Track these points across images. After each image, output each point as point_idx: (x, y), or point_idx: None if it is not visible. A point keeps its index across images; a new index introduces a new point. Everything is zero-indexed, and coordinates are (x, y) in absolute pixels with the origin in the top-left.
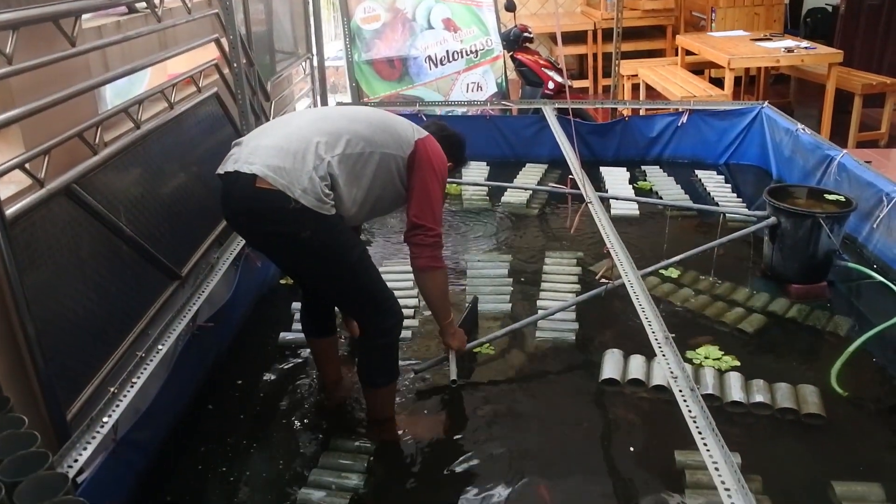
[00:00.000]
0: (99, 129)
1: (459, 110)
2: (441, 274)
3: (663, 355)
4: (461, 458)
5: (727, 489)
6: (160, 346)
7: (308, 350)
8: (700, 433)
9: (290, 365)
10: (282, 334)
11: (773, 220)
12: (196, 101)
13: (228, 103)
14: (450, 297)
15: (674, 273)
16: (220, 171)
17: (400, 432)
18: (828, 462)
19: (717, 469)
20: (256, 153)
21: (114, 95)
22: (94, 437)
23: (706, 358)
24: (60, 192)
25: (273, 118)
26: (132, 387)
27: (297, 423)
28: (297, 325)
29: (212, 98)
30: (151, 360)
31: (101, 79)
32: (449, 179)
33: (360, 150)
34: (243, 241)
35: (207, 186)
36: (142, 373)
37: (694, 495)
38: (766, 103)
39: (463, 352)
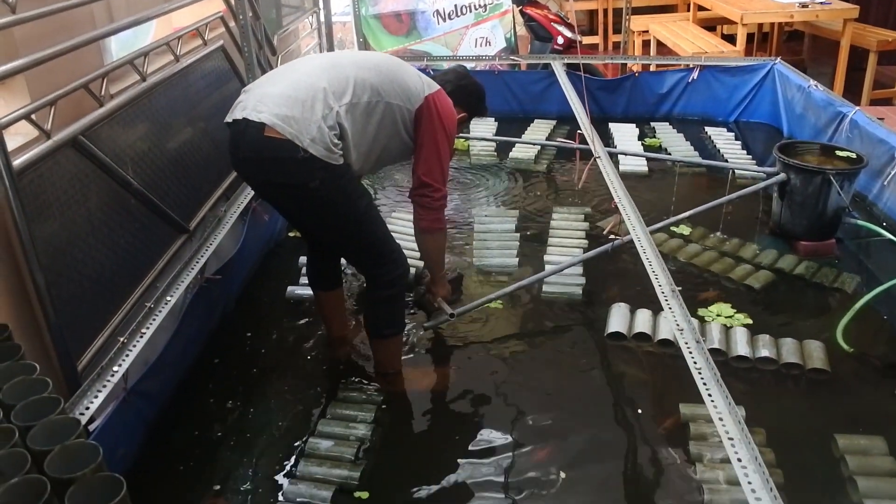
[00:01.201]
0: (105, 81)
1: (468, 65)
2: (442, 235)
3: (670, 308)
4: (468, 411)
5: (731, 439)
6: (168, 298)
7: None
8: (705, 384)
9: (298, 318)
10: (289, 288)
11: (782, 176)
12: (202, 54)
13: (234, 57)
14: (459, 251)
15: (683, 230)
16: (228, 118)
17: (407, 385)
18: (831, 416)
19: (721, 420)
20: (264, 101)
21: (119, 48)
22: (104, 386)
23: (718, 315)
24: (67, 144)
25: None
26: (141, 337)
27: (305, 376)
28: (304, 279)
29: (218, 51)
30: (160, 312)
31: (106, 29)
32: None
33: (367, 100)
34: (250, 195)
35: (214, 140)
36: (151, 323)
37: (698, 447)
38: (779, 59)
39: (448, 299)
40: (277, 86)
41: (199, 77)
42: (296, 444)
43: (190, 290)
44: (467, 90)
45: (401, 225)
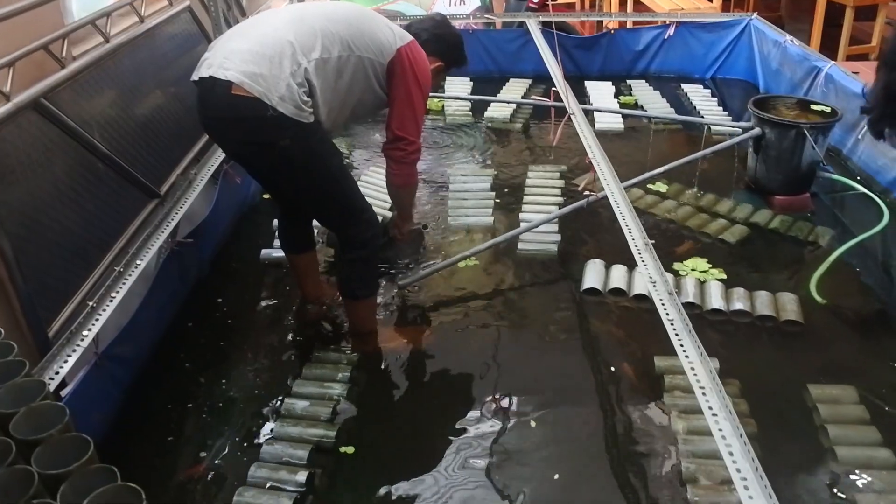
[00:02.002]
0: (65, 42)
1: None
2: (414, 187)
3: (643, 261)
4: (442, 369)
5: (702, 387)
6: (139, 262)
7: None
8: (677, 335)
9: (272, 281)
10: (263, 251)
11: (757, 131)
12: (167, 14)
13: (203, 19)
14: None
15: (659, 187)
16: (195, 76)
17: (382, 344)
18: (804, 366)
19: (693, 370)
20: (231, 58)
21: (80, 9)
22: (74, 351)
23: (693, 270)
24: (28, 107)
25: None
26: (111, 301)
27: (280, 338)
28: (278, 242)
29: (184, 12)
30: (130, 275)
31: None
32: (432, 94)
33: (337, 54)
34: (222, 157)
35: (184, 104)
36: (121, 287)
37: (672, 399)
38: (755, 15)
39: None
40: (244, 41)
41: (166, 39)
42: (272, 404)
43: (161, 253)
44: (443, 39)
45: (377, 178)
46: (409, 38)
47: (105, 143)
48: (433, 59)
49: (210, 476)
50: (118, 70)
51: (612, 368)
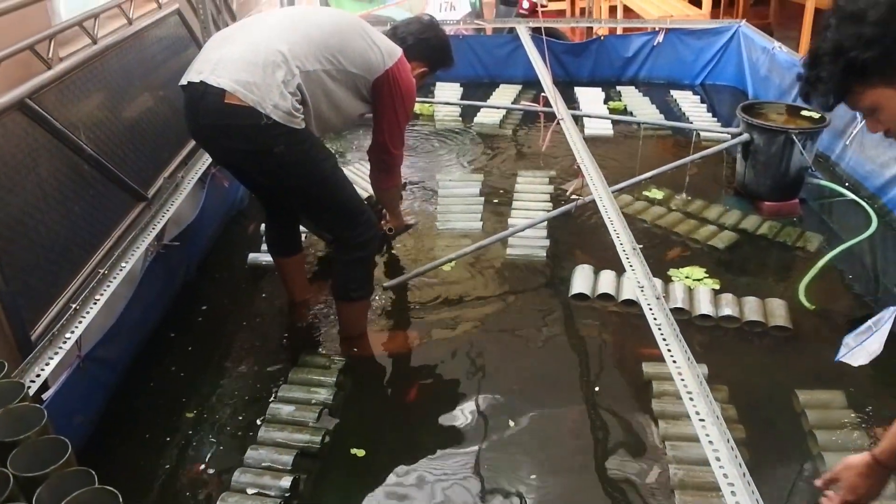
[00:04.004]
0: (52, 43)
1: None
2: (399, 187)
3: (630, 266)
4: (429, 374)
5: (689, 392)
6: (123, 264)
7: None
8: (665, 339)
9: (259, 284)
10: (250, 255)
11: (745, 136)
12: (156, 17)
13: (193, 22)
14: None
15: (651, 193)
16: (184, 81)
17: (371, 348)
18: (793, 372)
19: (680, 375)
20: (223, 65)
21: (68, 11)
22: (56, 353)
23: (687, 277)
24: (13, 107)
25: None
26: (95, 303)
27: (267, 341)
28: (265, 246)
29: (173, 15)
30: (115, 278)
31: None
32: (422, 100)
33: (327, 67)
34: (209, 160)
35: (173, 107)
36: (105, 289)
37: (660, 404)
38: (744, 22)
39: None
40: (236, 47)
41: (154, 41)
42: (258, 409)
43: (147, 256)
44: (429, 44)
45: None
46: (398, 53)
47: (92, 144)
48: (417, 63)
49: (194, 481)
50: (105, 72)
51: (601, 367)
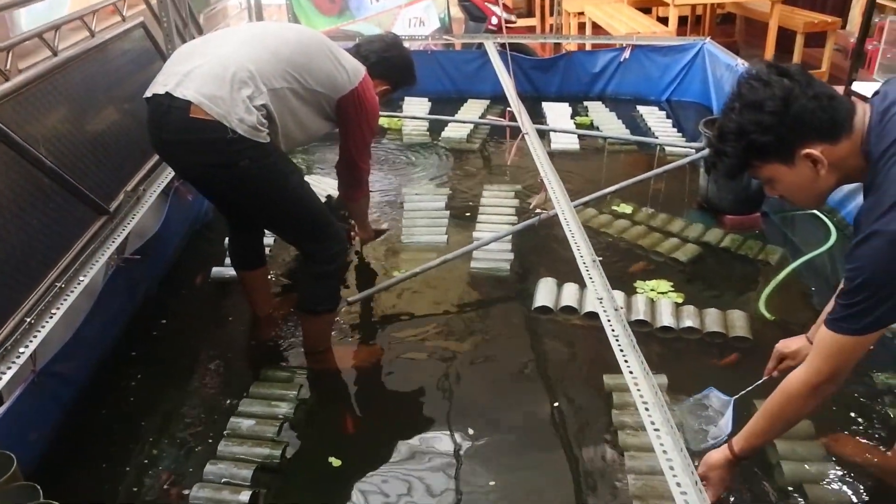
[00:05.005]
0: (10, 55)
1: None
2: (367, 197)
3: (590, 278)
4: (391, 388)
5: (645, 402)
6: (82, 278)
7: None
8: (622, 350)
9: (223, 298)
10: (214, 269)
11: (708, 151)
12: (120, 30)
13: (158, 36)
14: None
15: (619, 208)
16: (148, 93)
17: (335, 362)
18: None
19: (636, 385)
20: (190, 77)
21: (30, 22)
22: (9, 368)
23: (652, 290)
24: None
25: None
26: (51, 317)
27: (230, 356)
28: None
29: (137, 28)
30: (73, 291)
31: (13, 0)
32: (390, 114)
33: (293, 84)
34: (172, 174)
35: (137, 119)
36: (62, 303)
37: (621, 415)
38: (709, 39)
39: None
40: (203, 60)
41: (118, 54)
42: (219, 424)
43: (107, 269)
44: (391, 62)
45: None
46: (361, 72)
47: (52, 157)
48: (379, 82)
49: (154, 496)
50: (67, 84)
51: (563, 379)
